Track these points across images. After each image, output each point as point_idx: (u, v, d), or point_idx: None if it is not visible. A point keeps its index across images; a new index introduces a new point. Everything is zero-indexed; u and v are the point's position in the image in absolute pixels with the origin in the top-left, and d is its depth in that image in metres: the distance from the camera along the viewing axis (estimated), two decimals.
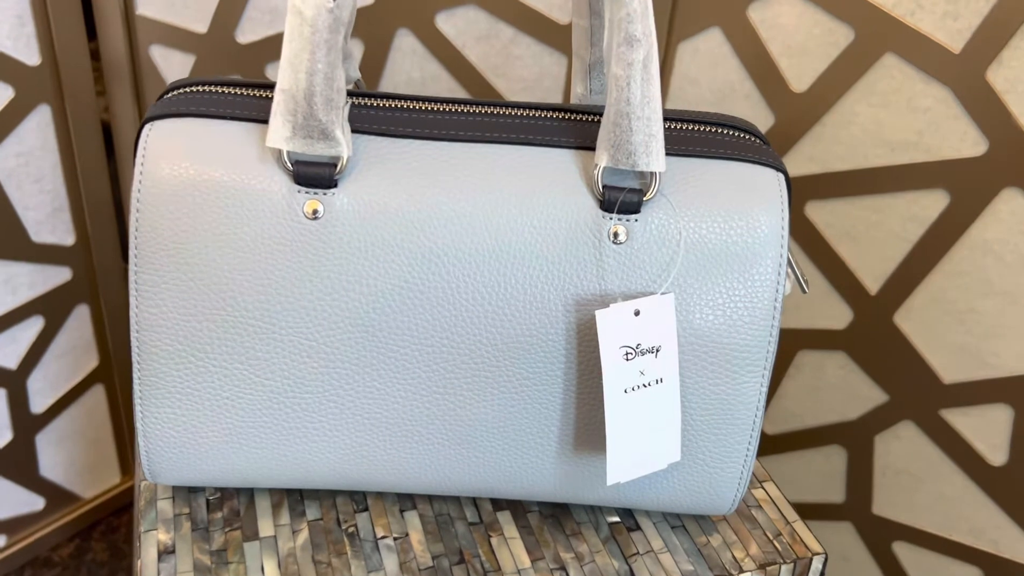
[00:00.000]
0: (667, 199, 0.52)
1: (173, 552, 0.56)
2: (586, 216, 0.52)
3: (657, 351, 0.52)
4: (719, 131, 0.55)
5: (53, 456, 1.09)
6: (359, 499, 0.61)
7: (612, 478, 0.53)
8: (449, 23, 0.95)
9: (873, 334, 0.89)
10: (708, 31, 0.89)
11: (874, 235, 0.86)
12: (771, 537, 0.61)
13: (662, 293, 0.52)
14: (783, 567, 0.59)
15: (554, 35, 0.94)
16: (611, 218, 0.52)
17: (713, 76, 0.91)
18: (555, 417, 0.55)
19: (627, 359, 0.51)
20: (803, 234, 0.91)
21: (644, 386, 0.52)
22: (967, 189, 0.78)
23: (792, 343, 0.96)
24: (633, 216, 0.52)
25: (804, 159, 0.88)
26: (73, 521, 1.15)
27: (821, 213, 0.89)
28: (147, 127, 0.51)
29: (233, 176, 0.51)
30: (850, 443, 0.94)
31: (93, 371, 1.08)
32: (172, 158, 0.51)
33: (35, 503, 1.09)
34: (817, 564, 0.60)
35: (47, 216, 0.96)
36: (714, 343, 0.53)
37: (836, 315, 0.92)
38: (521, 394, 0.54)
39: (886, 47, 0.79)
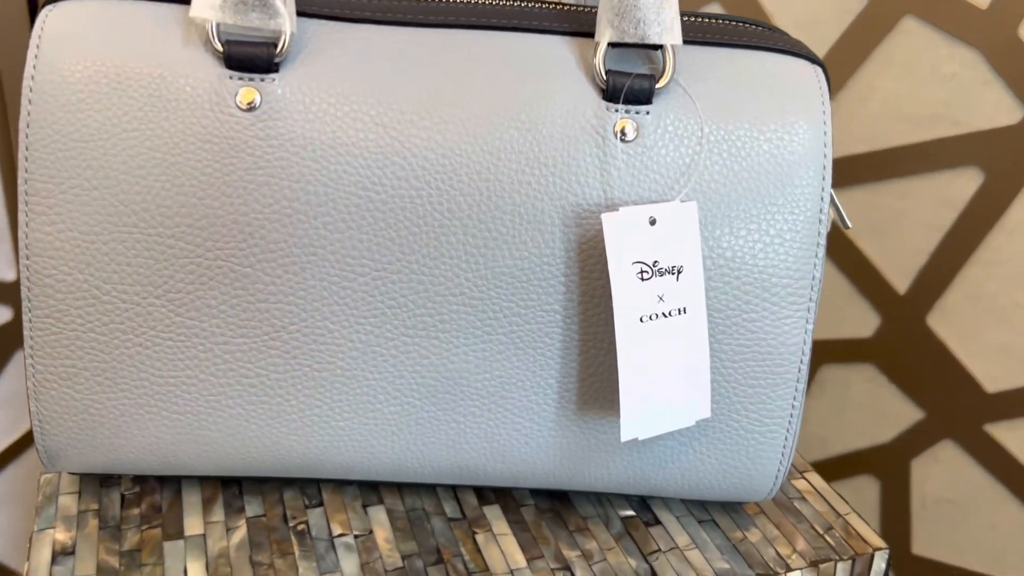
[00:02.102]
0: (684, 88, 0.43)
1: (72, 553, 0.44)
2: (586, 109, 0.42)
3: (679, 273, 0.42)
4: (740, 24, 0.46)
5: None
6: (312, 493, 0.49)
7: (627, 432, 0.42)
8: None
9: (904, 340, 0.79)
10: (707, 7, 0.82)
11: (900, 225, 0.77)
12: (821, 531, 0.49)
13: (681, 200, 0.42)
14: (839, 564, 0.47)
15: None
16: (617, 110, 0.42)
17: None
18: (554, 365, 0.44)
19: (642, 279, 0.41)
20: None
21: (664, 315, 0.42)
22: (1003, 164, 0.70)
23: (812, 357, 0.85)
24: (644, 108, 0.42)
25: None
26: None
27: (839, 203, 0.80)
28: (46, 9, 0.42)
29: (150, 61, 0.41)
30: (883, 470, 0.84)
31: None
32: (75, 42, 0.41)
33: None
34: (880, 562, 0.49)
35: None
36: (748, 268, 0.43)
37: (861, 321, 0.82)
38: (511, 335, 0.43)
39: (904, 9, 0.72)
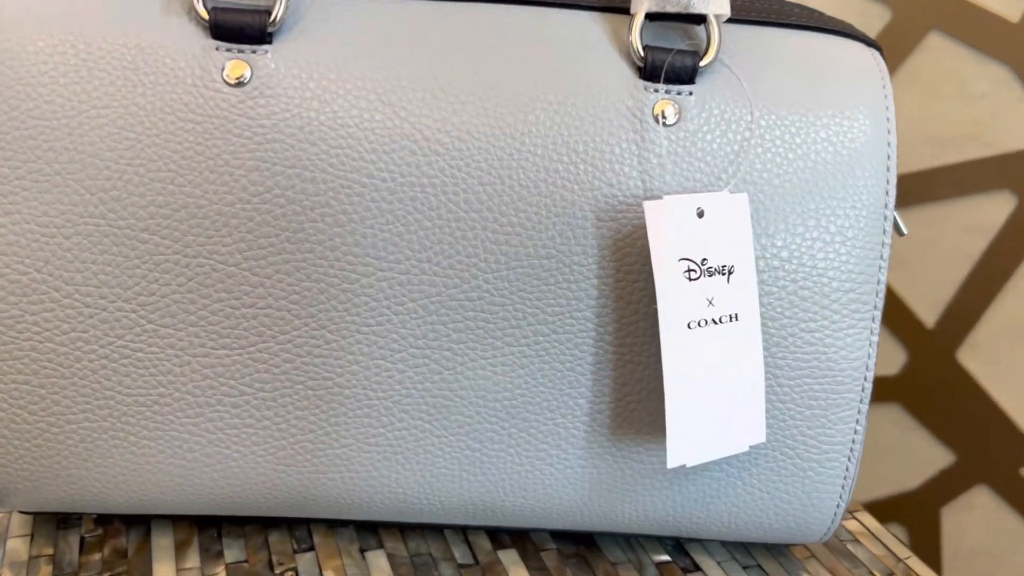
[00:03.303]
0: (729, 68, 0.38)
1: None
2: (621, 89, 0.37)
3: (729, 273, 0.36)
4: (787, 6, 0.42)
5: None
6: (302, 536, 0.43)
7: (675, 457, 0.36)
8: None
9: (933, 378, 0.75)
10: None
11: (928, 253, 0.73)
12: None
13: (731, 191, 0.37)
14: None
15: None
16: (656, 90, 0.37)
17: None
18: (585, 382, 0.38)
19: (690, 278, 0.36)
20: None
21: (714, 322, 0.36)
22: None
23: None
24: (686, 88, 0.37)
25: None
26: None
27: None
28: None
29: (125, 31, 0.36)
30: (911, 519, 0.78)
31: None
32: (38, 8, 0.36)
33: None
34: None
35: None
36: (805, 270, 0.38)
37: (886, 358, 0.77)
38: (536, 347, 0.38)
39: (930, 24, 0.69)
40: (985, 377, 0.72)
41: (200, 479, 0.39)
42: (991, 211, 0.69)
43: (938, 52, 0.69)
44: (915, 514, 0.78)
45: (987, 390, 0.72)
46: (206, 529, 0.43)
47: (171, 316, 0.37)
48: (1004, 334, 0.71)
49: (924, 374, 0.75)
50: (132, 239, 0.36)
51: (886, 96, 0.39)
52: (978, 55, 0.67)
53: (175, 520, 0.43)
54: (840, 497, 0.41)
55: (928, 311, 0.74)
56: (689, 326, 0.36)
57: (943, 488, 0.75)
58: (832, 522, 0.41)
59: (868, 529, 0.47)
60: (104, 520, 0.43)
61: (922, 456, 0.77)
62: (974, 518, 0.75)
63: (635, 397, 0.38)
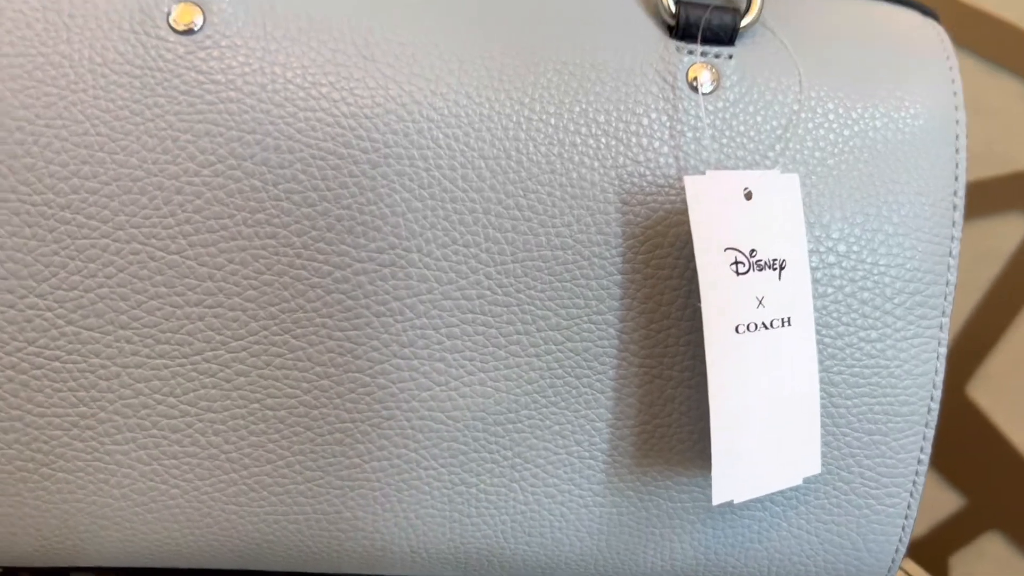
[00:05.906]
0: (774, 32, 0.33)
1: None
2: (649, 50, 0.32)
3: (781, 268, 0.30)
4: None
5: None
6: None
7: (720, 493, 0.30)
8: None
9: (941, 414, 0.71)
10: None
11: None
12: None
13: (782, 171, 0.31)
14: None
15: None
16: (690, 52, 0.32)
17: None
18: (605, 402, 0.32)
19: (737, 272, 0.30)
20: None
21: (765, 326, 0.30)
22: None
23: None
24: (725, 51, 0.32)
25: None
26: None
27: None
28: None
29: None
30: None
31: None
32: None
33: None
34: None
35: None
36: (865, 267, 0.32)
37: None
38: (546, 358, 0.31)
39: None
40: (998, 413, 0.69)
41: (130, 522, 0.32)
42: (1003, 234, 0.67)
43: None
44: (922, 562, 0.74)
45: (1000, 427, 0.69)
46: None
47: (96, 316, 0.30)
48: (1018, 367, 0.67)
49: None
50: (49, 218, 0.29)
51: (951, 68, 0.34)
52: (993, 68, 0.65)
53: (99, 574, 0.36)
54: (900, 540, 0.35)
55: None
56: (737, 330, 0.30)
57: (952, 534, 0.72)
58: (889, 571, 0.35)
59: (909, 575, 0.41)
60: (10, 573, 0.35)
61: (929, 499, 0.73)
62: (986, 567, 0.72)
63: (664, 420, 0.32)
